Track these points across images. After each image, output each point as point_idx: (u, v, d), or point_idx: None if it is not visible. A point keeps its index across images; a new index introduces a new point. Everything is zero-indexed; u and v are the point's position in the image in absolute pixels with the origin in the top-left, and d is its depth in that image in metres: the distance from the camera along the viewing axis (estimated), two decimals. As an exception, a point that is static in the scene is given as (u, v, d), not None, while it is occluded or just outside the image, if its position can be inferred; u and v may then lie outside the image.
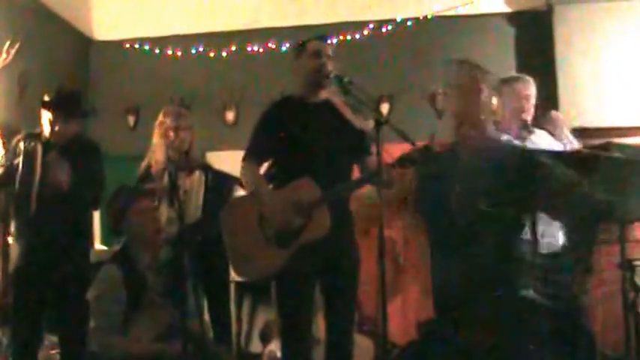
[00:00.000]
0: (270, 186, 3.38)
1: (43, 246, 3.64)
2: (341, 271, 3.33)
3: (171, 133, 4.00)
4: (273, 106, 3.47)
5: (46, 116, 3.75)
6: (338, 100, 3.39)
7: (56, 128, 3.74)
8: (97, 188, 3.78)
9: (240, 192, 4.10)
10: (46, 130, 3.77)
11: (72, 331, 3.66)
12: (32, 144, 3.75)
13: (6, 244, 4.22)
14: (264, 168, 3.47)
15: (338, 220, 3.24)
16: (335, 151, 3.31)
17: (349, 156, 3.37)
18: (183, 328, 3.22)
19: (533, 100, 3.68)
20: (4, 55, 4.93)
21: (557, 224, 3.64)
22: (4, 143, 4.52)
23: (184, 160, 4.06)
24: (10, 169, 3.76)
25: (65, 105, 3.76)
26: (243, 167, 3.40)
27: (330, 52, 3.40)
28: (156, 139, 4.08)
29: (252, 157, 3.40)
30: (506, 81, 3.76)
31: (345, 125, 3.35)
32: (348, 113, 3.37)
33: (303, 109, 3.39)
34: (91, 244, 6.00)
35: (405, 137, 3.03)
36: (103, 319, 3.31)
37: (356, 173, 3.49)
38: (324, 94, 3.43)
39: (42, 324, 3.77)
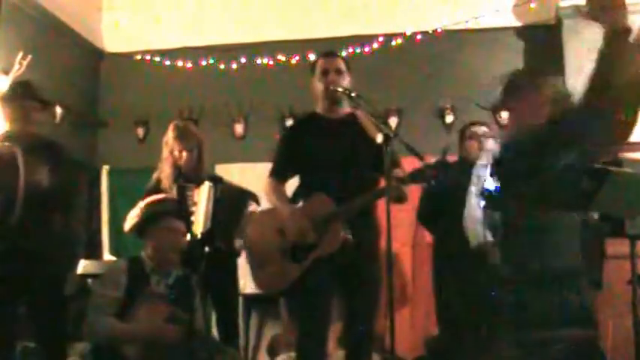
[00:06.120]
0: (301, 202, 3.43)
1: (23, 253, 3.37)
2: (362, 282, 3.33)
3: (177, 154, 4.03)
4: (295, 123, 3.52)
5: (5, 111, 3.58)
6: (362, 113, 3.39)
7: (18, 123, 3.54)
8: (71, 191, 3.63)
9: (254, 204, 4.12)
10: (10, 126, 3.56)
11: (51, 339, 3.54)
12: (8, 145, 3.47)
13: None
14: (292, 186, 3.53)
15: (361, 233, 3.28)
16: (355, 166, 3.34)
17: (370, 169, 3.35)
18: (183, 320, 3.39)
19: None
20: (16, 67, 4.95)
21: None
22: None
23: (193, 174, 4.07)
24: None
25: (22, 96, 3.57)
26: (267, 184, 3.49)
27: (340, 66, 3.43)
28: (165, 154, 4.09)
29: (276, 174, 3.49)
30: None
31: (365, 139, 3.31)
32: (370, 126, 3.36)
33: (324, 125, 3.43)
34: (100, 254, 6.03)
35: (413, 151, 3.03)
36: (100, 300, 3.43)
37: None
38: (346, 109, 3.45)
39: (14, 331, 3.58)
